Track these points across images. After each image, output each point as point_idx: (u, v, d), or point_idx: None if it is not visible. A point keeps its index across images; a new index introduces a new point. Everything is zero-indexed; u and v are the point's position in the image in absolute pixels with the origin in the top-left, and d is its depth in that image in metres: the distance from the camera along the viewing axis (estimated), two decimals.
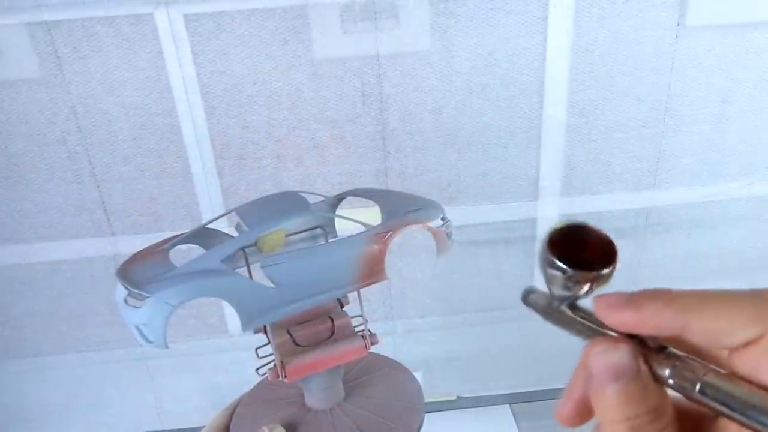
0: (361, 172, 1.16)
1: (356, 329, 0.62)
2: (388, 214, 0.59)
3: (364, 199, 0.66)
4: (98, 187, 1.14)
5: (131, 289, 0.49)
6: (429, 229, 0.58)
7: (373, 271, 0.56)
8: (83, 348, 1.29)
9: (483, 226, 1.24)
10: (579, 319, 0.32)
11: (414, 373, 1.35)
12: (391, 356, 0.68)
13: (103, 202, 1.16)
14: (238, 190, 1.16)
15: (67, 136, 1.09)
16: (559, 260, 0.33)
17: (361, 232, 0.55)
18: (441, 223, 0.60)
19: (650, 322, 0.28)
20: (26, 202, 1.14)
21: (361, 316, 0.62)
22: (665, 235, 1.28)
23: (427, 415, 1.42)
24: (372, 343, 0.60)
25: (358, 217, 0.59)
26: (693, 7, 1.06)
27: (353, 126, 1.12)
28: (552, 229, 0.34)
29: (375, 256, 0.55)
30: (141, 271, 0.52)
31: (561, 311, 0.33)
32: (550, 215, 1.24)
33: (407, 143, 1.15)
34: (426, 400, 1.42)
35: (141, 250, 0.58)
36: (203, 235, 0.62)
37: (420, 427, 0.60)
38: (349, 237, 0.55)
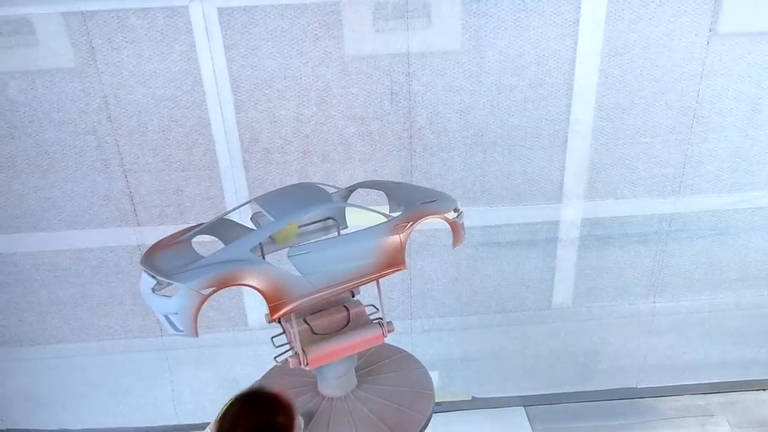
0: (386, 170, 1.16)
1: (370, 318, 0.63)
2: (405, 205, 0.60)
3: (374, 191, 0.66)
4: (126, 177, 1.15)
5: (160, 279, 0.50)
6: (446, 220, 0.59)
7: (394, 260, 0.56)
8: (105, 336, 1.30)
9: (505, 228, 1.24)
10: None
11: (431, 373, 1.34)
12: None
13: (130, 192, 1.17)
14: (264, 183, 1.17)
15: (97, 125, 1.11)
16: None
17: (382, 223, 0.56)
18: (455, 214, 0.60)
19: None
20: (55, 190, 1.15)
21: (372, 305, 0.63)
22: (688, 242, 1.28)
23: (442, 414, 1.43)
24: (388, 331, 0.60)
25: (371, 209, 0.60)
26: (725, 14, 1.06)
27: (380, 123, 1.13)
28: (222, 408, 0.33)
29: (396, 246, 0.56)
30: (167, 261, 0.53)
31: None
32: (573, 218, 1.24)
33: (433, 142, 1.15)
34: (442, 400, 1.43)
35: (160, 241, 0.59)
36: (221, 226, 0.63)
37: (432, 412, 0.61)
38: (371, 227, 0.55)
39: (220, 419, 0.32)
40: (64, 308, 1.27)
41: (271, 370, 0.68)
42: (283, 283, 0.51)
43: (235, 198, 1.17)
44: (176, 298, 0.48)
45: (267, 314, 0.55)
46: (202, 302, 0.47)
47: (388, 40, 1.06)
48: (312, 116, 1.12)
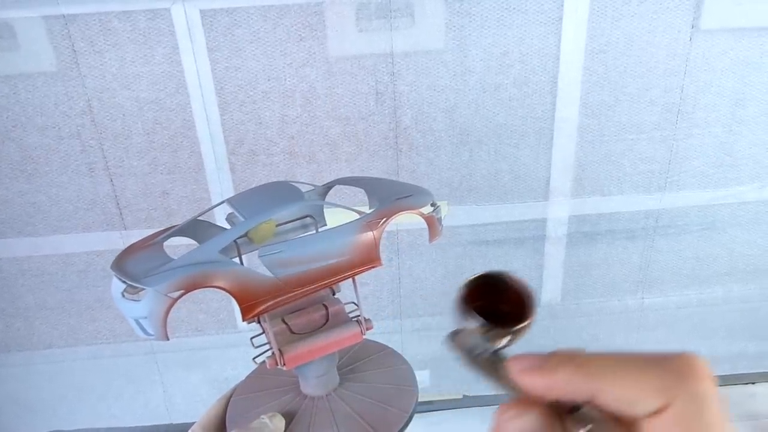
0: (372, 170, 1.16)
1: (350, 315, 0.62)
2: (379, 201, 0.59)
3: (352, 188, 0.66)
4: (111, 181, 1.15)
5: (128, 282, 0.49)
6: (421, 215, 0.58)
7: (368, 257, 0.56)
8: (93, 341, 1.30)
9: (493, 226, 1.25)
10: (499, 373, 0.31)
11: (421, 372, 1.34)
12: None
13: (116, 196, 1.16)
14: (250, 185, 1.15)
15: (81, 129, 1.10)
16: (474, 313, 0.32)
17: (355, 219, 0.56)
18: (431, 209, 0.60)
19: (562, 388, 0.28)
20: (39, 194, 1.15)
21: (353, 302, 0.62)
22: (675, 238, 1.28)
23: (433, 413, 1.43)
24: (367, 329, 0.60)
25: (348, 206, 0.60)
26: (707, 10, 1.06)
27: (366, 124, 1.13)
28: (468, 279, 0.33)
29: (370, 243, 0.55)
30: (137, 264, 0.52)
31: (483, 361, 0.33)
32: (560, 216, 1.24)
33: (419, 141, 1.15)
34: (432, 399, 1.43)
35: (133, 244, 0.58)
36: (196, 228, 0.62)
37: (414, 409, 0.60)
38: (343, 224, 0.55)
39: (464, 287, 0.33)
40: (52, 313, 1.27)
41: (255, 370, 0.67)
42: (253, 284, 0.50)
43: (221, 200, 1.17)
44: (145, 302, 0.47)
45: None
46: (171, 305, 0.47)
47: (372, 40, 1.06)
48: (297, 117, 1.12)
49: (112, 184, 1.15)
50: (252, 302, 0.50)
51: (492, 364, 0.32)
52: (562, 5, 1.05)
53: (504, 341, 0.32)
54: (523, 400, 0.30)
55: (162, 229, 0.59)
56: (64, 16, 1.01)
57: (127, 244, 0.56)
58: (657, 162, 1.20)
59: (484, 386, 1.43)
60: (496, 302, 0.33)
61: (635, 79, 1.12)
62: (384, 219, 0.55)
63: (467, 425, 1.42)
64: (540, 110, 1.14)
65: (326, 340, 0.57)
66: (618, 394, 0.27)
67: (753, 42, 1.09)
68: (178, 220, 1.21)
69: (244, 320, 0.51)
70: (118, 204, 1.17)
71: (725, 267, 1.33)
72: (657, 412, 0.26)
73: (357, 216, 0.56)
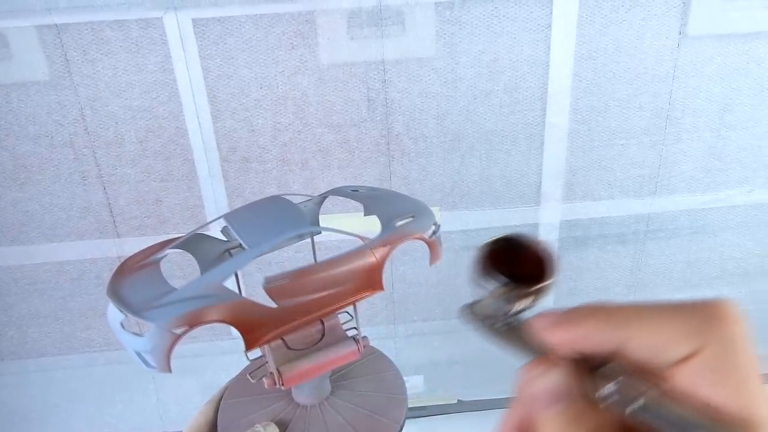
0: (365, 176, 1.17)
1: (344, 327, 0.63)
2: (381, 222, 0.59)
3: (349, 200, 0.66)
4: (104, 188, 1.15)
5: (129, 315, 0.49)
6: (424, 240, 0.58)
7: (371, 283, 0.56)
8: (87, 349, 1.30)
9: (485, 231, 1.25)
10: (520, 336, 0.31)
11: (415, 377, 1.35)
12: (392, 360, 0.69)
13: (109, 203, 1.16)
14: (243, 192, 1.17)
15: (74, 138, 1.10)
16: (495, 273, 0.32)
17: (359, 247, 0.56)
18: (434, 229, 0.60)
19: (589, 339, 0.27)
20: (32, 203, 1.15)
21: (347, 312, 0.62)
22: (666, 242, 1.29)
23: (427, 418, 1.43)
24: (363, 346, 0.60)
25: (343, 223, 0.60)
26: (694, 16, 1.08)
27: (358, 130, 1.14)
28: (485, 242, 0.33)
29: (373, 270, 0.55)
30: (135, 291, 0.51)
31: (503, 326, 0.32)
32: (551, 220, 1.25)
33: (411, 148, 1.16)
34: (427, 404, 1.43)
35: (126, 262, 0.57)
36: (195, 242, 0.62)
37: (405, 417, 0.61)
38: (347, 253, 0.55)
39: (482, 248, 0.31)
40: (45, 321, 1.27)
41: (242, 372, 0.67)
42: (257, 316, 0.50)
43: (215, 207, 1.18)
44: (148, 337, 0.46)
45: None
46: (176, 341, 0.46)
47: (363, 48, 1.07)
48: (289, 124, 1.12)
49: (105, 192, 1.15)
50: (256, 333, 0.49)
51: (513, 328, 0.31)
52: (551, 12, 1.06)
53: (525, 303, 0.32)
54: (549, 357, 0.29)
55: (159, 242, 0.59)
56: (56, 25, 1.01)
57: (120, 252, 0.56)
58: (647, 167, 1.21)
59: (478, 391, 1.43)
60: (515, 266, 0.32)
61: (624, 84, 1.13)
62: (389, 247, 0.55)
63: (462, 430, 1.43)
64: (530, 116, 1.15)
65: (323, 359, 0.58)
66: (646, 342, 0.26)
67: (740, 48, 1.11)
68: (171, 228, 1.22)
69: (247, 351, 0.51)
70: (111, 212, 1.17)
71: (715, 270, 1.34)
72: (687, 358, 0.25)
73: (359, 241, 0.56)
